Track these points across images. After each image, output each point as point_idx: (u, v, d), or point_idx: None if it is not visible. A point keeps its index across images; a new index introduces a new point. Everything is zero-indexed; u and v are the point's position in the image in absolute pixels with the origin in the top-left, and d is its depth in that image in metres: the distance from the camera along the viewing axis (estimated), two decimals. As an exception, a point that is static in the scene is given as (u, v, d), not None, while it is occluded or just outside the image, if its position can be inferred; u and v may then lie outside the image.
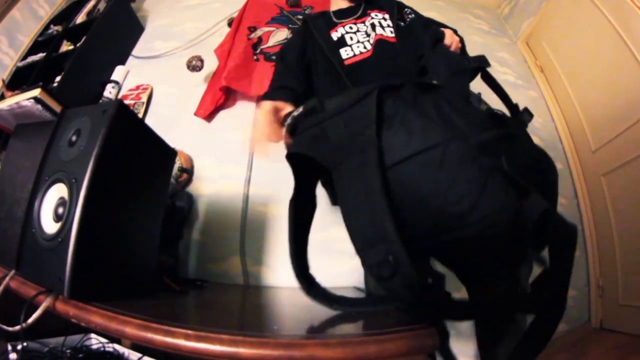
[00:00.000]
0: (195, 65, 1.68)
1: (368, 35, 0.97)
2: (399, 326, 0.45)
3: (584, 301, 1.63)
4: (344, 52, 0.95)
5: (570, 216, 1.73)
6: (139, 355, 0.82)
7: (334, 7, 1.08)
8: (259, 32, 1.84)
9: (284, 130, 0.62)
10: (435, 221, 0.45)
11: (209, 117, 1.72)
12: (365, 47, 0.95)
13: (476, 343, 0.81)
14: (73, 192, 0.57)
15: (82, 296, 0.55)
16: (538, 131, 1.94)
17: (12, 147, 0.88)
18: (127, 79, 1.95)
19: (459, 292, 0.57)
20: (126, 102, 1.65)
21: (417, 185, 0.45)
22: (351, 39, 0.97)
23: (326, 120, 0.53)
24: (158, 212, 0.79)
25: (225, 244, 1.47)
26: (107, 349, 0.84)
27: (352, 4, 1.05)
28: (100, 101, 1.79)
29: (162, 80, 1.89)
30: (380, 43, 0.94)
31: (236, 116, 1.73)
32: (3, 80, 1.83)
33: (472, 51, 0.92)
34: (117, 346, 0.85)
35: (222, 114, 1.75)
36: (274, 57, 1.69)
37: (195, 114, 1.71)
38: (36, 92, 0.80)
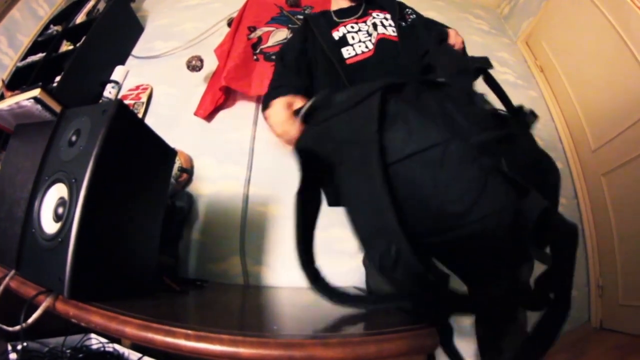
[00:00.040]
0: (195, 65, 1.68)
1: (369, 35, 0.96)
2: (399, 326, 0.45)
3: (583, 301, 1.63)
4: (346, 52, 0.95)
5: (570, 216, 1.73)
6: (139, 355, 0.82)
7: (334, 6, 1.08)
8: (258, 32, 1.84)
9: (297, 122, 0.63)
10: (435, 220, 0.45)
11: (209, 117, 1.71)
12: (367, 47, 0.95)
13: (476, 342, 0.81)
14: (73, 192, 0.57)
15: (82, 296, 0.55)
16: (538, 131, 1.91)
17: (12, 147, 0.88)
18: (126, 79, 1.95)
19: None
20: (126, 102, 1.64)
21: (418, 183, 0.46)
22: (353, 38, 0.97)
23: (333, 116, 0.54)
24: (158, 212, 0.79)
25: (225, 244, 1.46)
26: (107, 349, 0.84)
27: (353, 4, 1.04)
28: (100, 101, 1.79)
29: (162, 80, 1.89)
30: (382, 42, 0.94)
31: (236, 116, 1.73)
32: (3, 80, 1.83)
33: (472, 51, 0.92)
34: (117, 346, 0.85)
35: (222, 114, 1.75)
36: (273, 57, 1.69)
37: (195, 113, 1.71)
38: (36, 92, 0.80)
